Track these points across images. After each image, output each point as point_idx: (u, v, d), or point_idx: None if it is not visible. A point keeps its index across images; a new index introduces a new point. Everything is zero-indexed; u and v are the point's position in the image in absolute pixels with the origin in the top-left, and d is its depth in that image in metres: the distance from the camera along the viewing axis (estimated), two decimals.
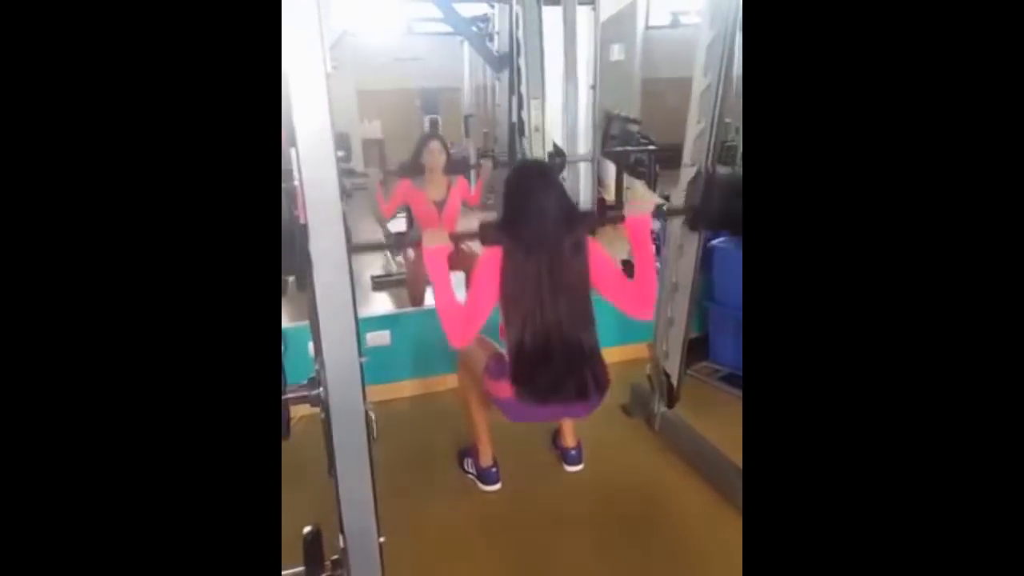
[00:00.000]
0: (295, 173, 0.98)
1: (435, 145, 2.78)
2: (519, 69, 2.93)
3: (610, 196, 5.28)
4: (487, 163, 3.35)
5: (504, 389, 1.60)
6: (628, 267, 1.70)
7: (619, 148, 5.19)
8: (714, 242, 2.53)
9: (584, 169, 3.95)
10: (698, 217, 1.82)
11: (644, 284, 1.59)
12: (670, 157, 2.41)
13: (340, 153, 1.00)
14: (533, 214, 1.51)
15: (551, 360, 1.53)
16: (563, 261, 1.53)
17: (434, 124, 4.91)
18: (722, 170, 1.80)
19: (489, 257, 1.54)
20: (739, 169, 1.80)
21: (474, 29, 4.15)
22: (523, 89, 2.93)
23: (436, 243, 1.51)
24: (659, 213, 1.73)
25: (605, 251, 1.62)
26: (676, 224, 1.94)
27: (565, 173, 3.37)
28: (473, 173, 3.64)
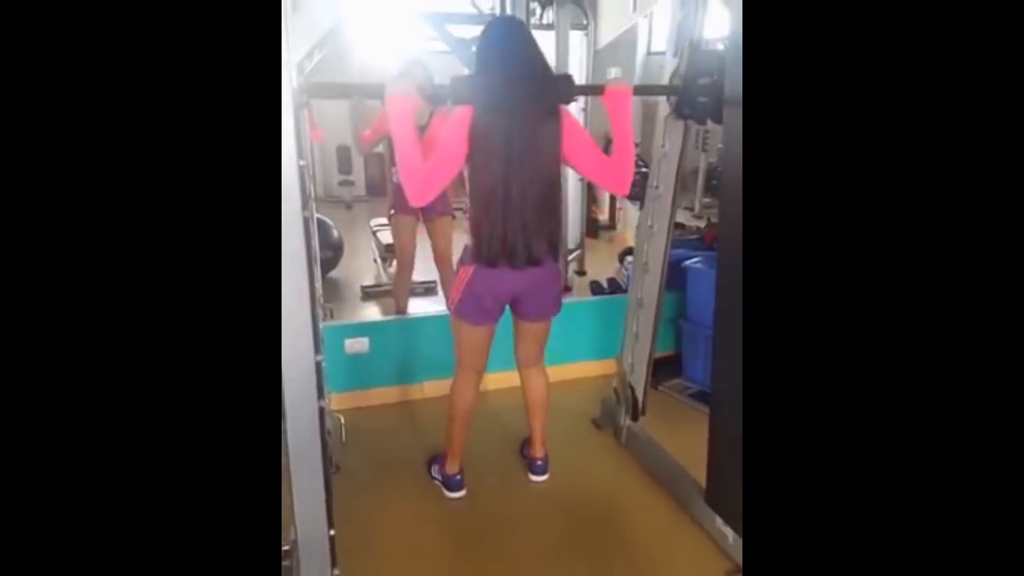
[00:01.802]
0: None
1: (419, 69, 2.67)
2: None
3: (603, 216, 5.37)
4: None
5: (467, 269, 1.61)
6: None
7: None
8: (687, 262, 2.60)
9: (576, 188, 4.04)
10: (683, 99, 1.70)
11: (622, 157, 1.53)
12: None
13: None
14: (506, 72, 1.44)
15: (508, 226, 1.51)
16: (534, 125, 1.46)
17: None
18: (708, 48, 1.69)
19: (458, 117, 1.47)
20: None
21: (473, 49, 4.27)
22: None
23: (401, 90, 1.38)
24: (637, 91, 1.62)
25: (578, 124, 1.55)
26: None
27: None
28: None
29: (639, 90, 1.67)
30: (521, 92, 1.47)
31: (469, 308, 1.71)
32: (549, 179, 1.55)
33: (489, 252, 1.57)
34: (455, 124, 1.49)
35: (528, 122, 1.49)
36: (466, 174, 1.57)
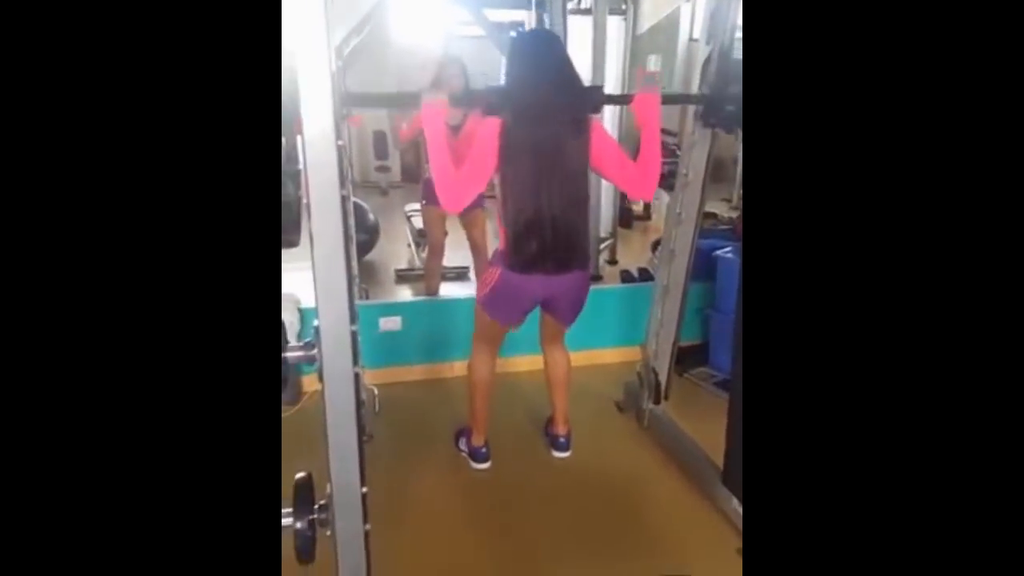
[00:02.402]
0: (300, 158, 1.13)
1: (454, 68, 2.71)
2: None
3: (638, 206, 5.34)
4: None
5: (494, 274, 1.67)
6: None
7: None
8: (718, 252, 2.61)
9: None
10: (710, 109, 1.72)
11: (648, 163, 1.57)
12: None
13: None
14: (536, 85, 1.49)
15: (540, 234, 1.56)
16: (563, 137, 1.51)
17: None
18: (740, 56, 1.69)
19: (489, 128, 1.52)
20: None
21: (512, 34, 4.29)
22: None
23: (434, 101, 1.50)
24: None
25: (606, 131, 1.60)
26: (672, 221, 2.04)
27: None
28: None
29: (667, 99, 1.68)
30: (551, 104, 1.51)
31: (494, 307, 1.79)
32: (578, 188, 1.59)
33: (520, 258, 1.62)
34: (486, 135, 1.54)
35: (558, 133, 1.53)
36: (497, 181, 1.61)
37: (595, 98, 1.61)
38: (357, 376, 1.31)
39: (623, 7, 3.96)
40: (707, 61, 1.74)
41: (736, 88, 1.63)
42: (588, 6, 3.59)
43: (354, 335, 1.30)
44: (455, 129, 2.78)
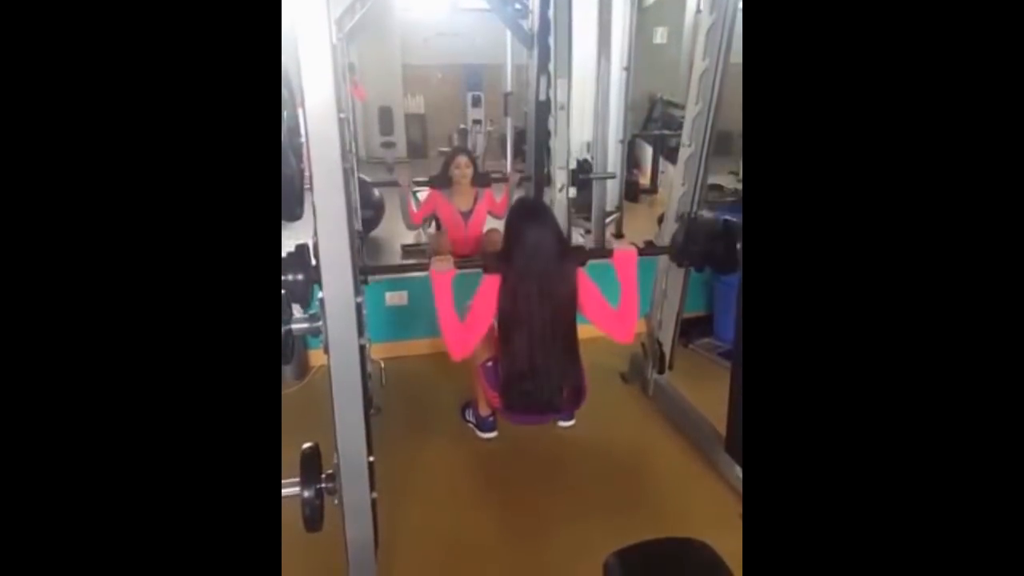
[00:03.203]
0: (302, 130, 1.14)
1: (463, 159, 2.93)
2: (549, 48, 3.02)
3: (645, 179, 5.30)
4: (514, 176, 3.46)
5: (496, 399, 1.82)
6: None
7: (658, 132, 5.20)
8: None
9: (616, 151, 4.02)
10: (682, 255, 2.02)
11: (626, 313, 1.76)
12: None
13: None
14: (528, 248, 1.70)
15: (534, 377, 1.72)
16: (553, 289, 1.72)
17: (462, 136, 5.06)
18: (705, 215, 2.01)
19: (489, 282, 1.74)
20: (719, 215, 2.00)
21: (517, 7, 4.24)
22: (551, 68, 3.03)
23: (442, 268, 1.72)
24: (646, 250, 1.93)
25: (592, 282, 1.80)
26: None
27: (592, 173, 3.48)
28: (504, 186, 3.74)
29: (644, 252, 1.90)
30: (541, 264, 1.71)
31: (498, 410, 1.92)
32: (568, 332, 1.76)
33: (511, 402, 1.77)
34: (486, 289, 1.74)
35: (547, 287, 1.72)
36: (496, 323, 1.76)
37: (578, 256, 1.87)
38: (363, 348, 1.33)
39: None
40: (680, 220, 2.04)
41: (696, 245, 1.97)
42: None
43: (359, 306, 1.32)
44: (466, 215, 2.93)
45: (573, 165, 3.19)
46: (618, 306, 1.78)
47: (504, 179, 3.54)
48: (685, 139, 1.92)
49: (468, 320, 1.74)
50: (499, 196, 3.08)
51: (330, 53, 1.09)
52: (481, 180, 3.09)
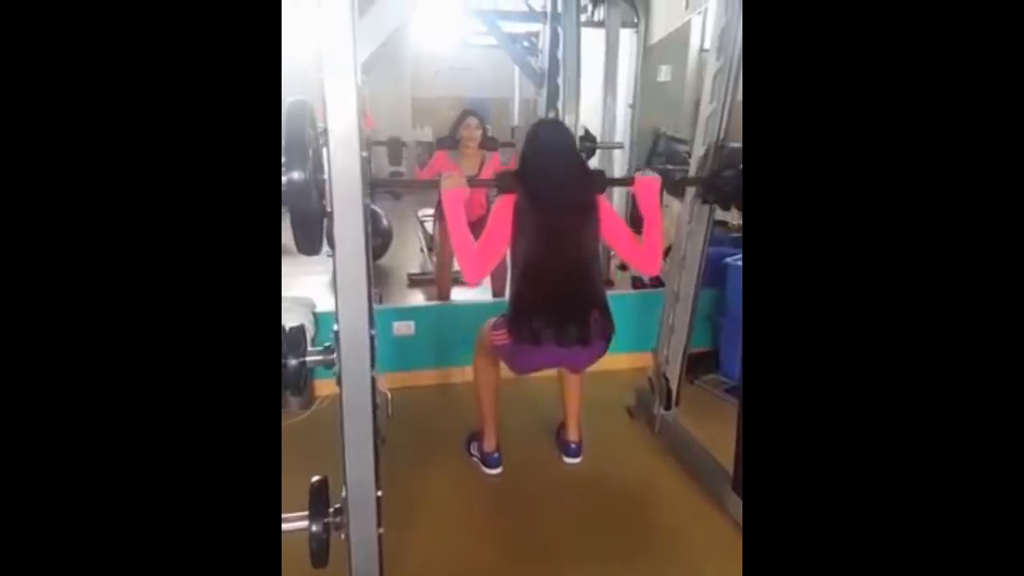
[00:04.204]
0: (326, 167, 1.17)
1: (473, 121, 2.89)
2: (558, 86, 3.10)
3: None
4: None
5: (504, 336, 1.73)
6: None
7: (661, 166, 5.26)
8: (727, 260, 2.63)
9: (619, 189, 4.08)
10: (708, 189, 1.88)
11: (651, 243, 1.67)
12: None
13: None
14: (545, 167, 1.61)
15: (548, 305, 1.63)
16: (570, 214, 1.62)
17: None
18: (733, 144, 1.87)
19: (503, 203, 1.65)
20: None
21: (525, 44, 4.35)
22: (560, 105, 3.10)
23: (453, 186, 1.59)
24: (667, 182, 1.80)
25: (613, 210, 1.70)
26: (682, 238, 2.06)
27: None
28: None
29: (667, 182, 1.82)
30: (558, 187, 1.63)
31: (509, 361, 1.86)
32: (588, 262, 1.69)
33: (526, 332, 1.67)
34: (500, 209, 1.66)
35: (564, 212, 1.64)
36: (508, 253, 1.70)
37: (599, 181, 1.78)
38: (373, 380, 1.34)
39: (635, 20, 4.03)
40: (705, 152, 1.91)
41: (729, 172, 1.79)
42: (601, 19, 3.64)
43: (372, 339, 1.33)
44: (471, 178, 2.91)
45: None
46: (642, 237, 1.69)
47: (512, 144, 3.52)
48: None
49: (482, 242, 1.64)
50: (506, 162, 3.03)
51: (356, 96, 1.13)
52: (489, 144, 3.07)
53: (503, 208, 1.65)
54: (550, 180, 1.62)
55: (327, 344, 1.35)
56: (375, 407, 1.35)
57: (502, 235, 1.65)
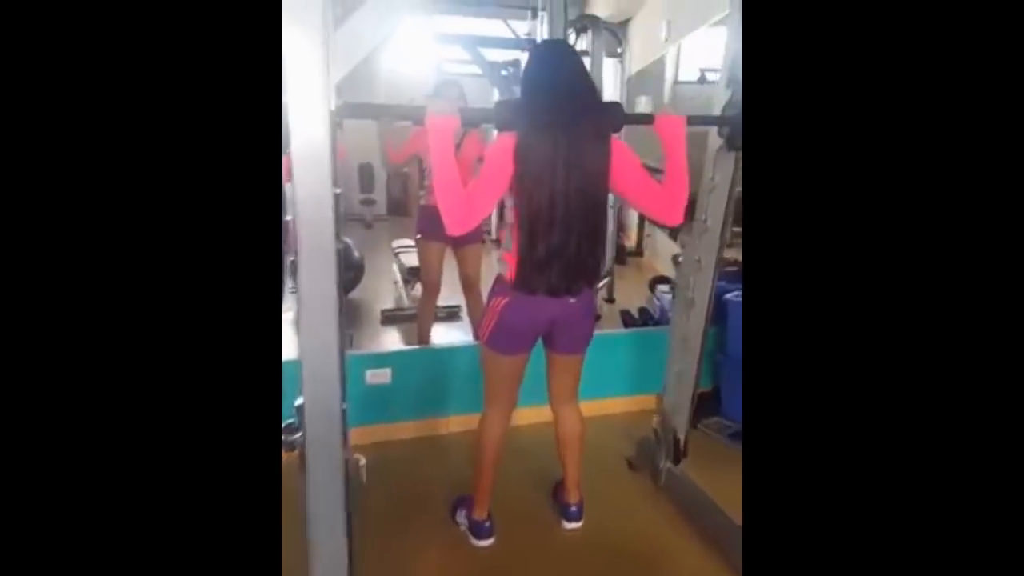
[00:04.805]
0: (290, 209, 0.96)
1: (454, 91, 2.56)
2: None
3: (631, 242, 5.25)
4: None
5: (502, 299, 1.54)
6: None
7: None
8: (728, 296, 2.47)
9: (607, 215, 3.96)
10: (738, 130, 1.62)
11: (676, 185, 1.45)
12: (690, 207, 2.37)
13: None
14: (552, 96, 1.38)
15: (559, 255, 1.44)
16: (582, 150, 1.39)
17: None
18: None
19: (502, 144, 1.39)
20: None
21: (505, 73, 4.23)
22: None
23: (442, 111, 1.32)
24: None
25: (629, 150, 1.47)
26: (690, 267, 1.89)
27: None
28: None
29: (692, 120, 1.57)
30: (568, 116, 1.41)
31: (502, 337, 1.62)
32: (596, 205, 1.48)
33: (535, 280, 1.49)
34: (499, 150, 1.42)
35: (575, 146, 1.41)
36: (508, 203, 1.50)
37: (615, 115, 1.48)
38: (346, 463, 1.11)
39: (618, 50, 3.98)
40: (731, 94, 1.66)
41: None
42: (586, 48, 3.56)
43: (343, 413, 1.10)
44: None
45: None
46: (664, 179, 1.45)
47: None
48: (700, 214, 1.79)
49: (473, 185, 1.38)
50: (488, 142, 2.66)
51: (329, 123, 0.92)
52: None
53: (501, 151, 1.39)
54: (558, 106, 1.37)
55: (289, 421, 1.12)
56: (347, 496, 1.11)
57: (498, 182, 1.40)
